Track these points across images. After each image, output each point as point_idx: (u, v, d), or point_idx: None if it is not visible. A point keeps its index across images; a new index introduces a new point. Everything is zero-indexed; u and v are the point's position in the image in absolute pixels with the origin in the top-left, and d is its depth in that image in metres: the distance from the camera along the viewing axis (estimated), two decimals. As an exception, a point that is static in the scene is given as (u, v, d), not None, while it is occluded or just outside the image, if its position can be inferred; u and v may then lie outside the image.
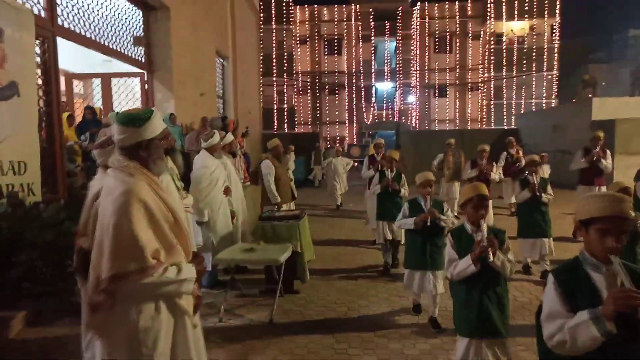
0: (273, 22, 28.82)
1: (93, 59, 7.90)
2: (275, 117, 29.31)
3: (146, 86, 8.47)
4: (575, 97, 20.47)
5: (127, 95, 8.67)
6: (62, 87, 7.79)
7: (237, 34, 13.80)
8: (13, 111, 4.82)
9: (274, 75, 29.06)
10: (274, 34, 28.96)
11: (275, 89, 29.36)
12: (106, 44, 7.14)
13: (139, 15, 8.21)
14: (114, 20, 7.39)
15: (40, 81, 5.51)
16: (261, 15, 21.05)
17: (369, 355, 3.70)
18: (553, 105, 27.70)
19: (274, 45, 28.96)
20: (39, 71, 5.46)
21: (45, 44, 5.59)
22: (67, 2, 6.16)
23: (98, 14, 6.93)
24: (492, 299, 2.75)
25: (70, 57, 7.66)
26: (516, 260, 2.93)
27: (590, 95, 16.06)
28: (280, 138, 21.56)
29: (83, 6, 6.55)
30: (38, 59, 5.45)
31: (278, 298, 4.69)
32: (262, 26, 22.25)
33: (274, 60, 28.98)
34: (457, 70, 29.68)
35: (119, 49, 7.54)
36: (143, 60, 8.34)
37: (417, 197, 4.40)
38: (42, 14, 5.59)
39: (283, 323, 4.36)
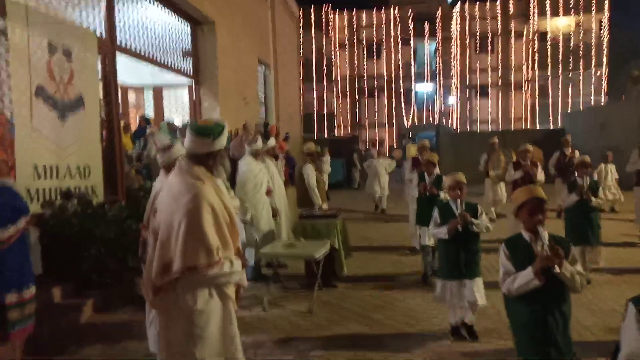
0: (312, 29, 29.39)
1: (142, 71, 8.54)
2: (315, 122, 29.80)
3: (194, 96, 9.06)
4: (623, 94, 19.66)
5: (177, 105, 9.29)
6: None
7: (277, 41, 14.34)
8: (79, 122, 5.42)
9: (314, 80, 29.58)
10: (313, 41, 29.52)
11: (315, 94, 29.88)
12: (158, 58, 7.75)
13: (187, 29, 8.81)
14: (166, 36, 8.00)
15: (101, 94, 6.11)
16: (301, 22, 21.61)
17: (402, 340, 3.95)
18: (602, 103, 26.64)
19: (313, 51, 29.52)
20: (100, 85, 6.07)
21: (106, 61, 6.19)
22: (124, 23, 6.78)
23: (151, 31, 7.54)
24: (557, 318, 2.46)
25: (122, 69, 8.33)
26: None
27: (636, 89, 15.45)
28: (319, 142, 21.88)
29: (138, 25, 7.17)
30: (99, 74, 6.05)
31: (317, 291, 5.01)
32: (301, 33, 22.82)
33: (314, 66, 29.52)
34: (500, 69, 29.13)
35: (169, 63, 8.14)
36: (191, 72, 8.93)
37: (449, 201, 4.11)
38: (104, 35, 6.21)
39: (322, 314, 4.68)
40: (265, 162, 6.07)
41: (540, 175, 6.89)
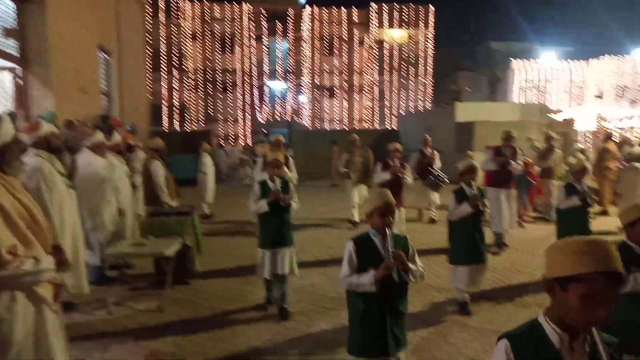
0: (161, 16, 27.88)
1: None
2: (166, 114, 28.39)
3: (20, 82, 8.00)
4: (446, 101, 22.97)
5: (-4, 91, 8.09)
6: None
7: (121, 27, 13.34)
8: None
9: (164, 71, 28.13)
10: (162, 29, 28.03)
11: (165, 85, 28.43)
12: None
13: (10, 4, 7.72)
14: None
15: None
16: (148, 8, 20.35)
17: (254, 330, 4.20)
18: (428, 108, 30.67)
19: (162, 40, 28.03)
20: None
21: None
22: None
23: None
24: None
25: None
26: None
27: (454, 100, 18.24)
28: (170, 135, 20.94)
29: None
30: None
31: (168, 289, 4.97)
32: (149, 20, 21.52)
33: (163, 56, 28.06)
34: (345, 73, 31.42)
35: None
36: (16, 55, 7.87)
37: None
38: None
39: (173, 311, 4.67)
40: (109, 158, 5.73)
41: (409, 178, 6.76)
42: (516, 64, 33.71)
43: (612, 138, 11.39)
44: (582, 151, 16.84)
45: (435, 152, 9.20)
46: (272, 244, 4.43)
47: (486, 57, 38.79)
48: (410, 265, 2.44)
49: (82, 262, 4.47)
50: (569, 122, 18.17)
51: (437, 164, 8.88)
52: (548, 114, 18.78)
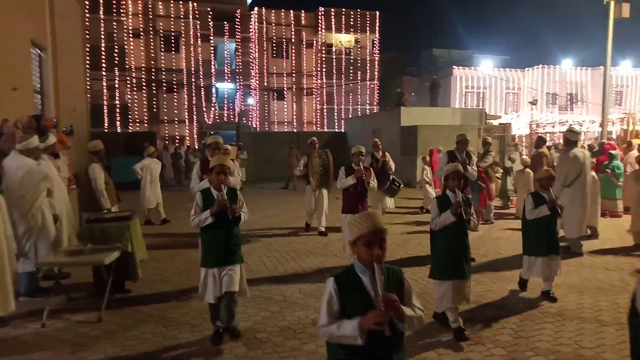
0: (101, 12, 26.69)
1: None
2: (107, 114, 27.17)
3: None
4: (391, 106, 23.56)
5: None
6: None
7: (56, 22, 12.65)
8: None
9: (104, 69, 26.93)
10: (102, 25, 26.84)
11: (105, 84, 27.22)
12: None
13: None
14: None
15: None
16: (87, 3, 19.42)
17: (197, 336, 4.13)
18: (375, 111, 31.35)
19: (102, 37, 26.84)
20: None
21: None
22: None
23: None
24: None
25: None
26: None
27: (398, 104, 18.77)
28: (113, 137, 20.13)
29: None
30: None
31: (108, 298, 4.78)
32: (88, 15, 20.54)
33: (104, 53, 26.87)
34: (294, 75, 31.47)
35: None
36: None
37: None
38: None
39: (113, 321, 4.49)
40: (43, 160, 5.42)
41: (373, 183, 6.18)
42: (457, 70, 35.19)
43: (546, 143, 12.16)
44: (516, 147, 17.85)
45: (387, 154, 8.69)
46: (217, 262, 3.89)
47: (429, 63, 40.23)
48: (406, 310, 1.93)
49: (8, 281, 4.24)
50: (505, 127, 19.19)
51: (392, 165, 8.46)
52: (487, 119, 19.77)
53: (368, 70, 32.77)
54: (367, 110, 32.04)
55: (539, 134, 19.61)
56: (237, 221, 3.93)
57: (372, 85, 33.12)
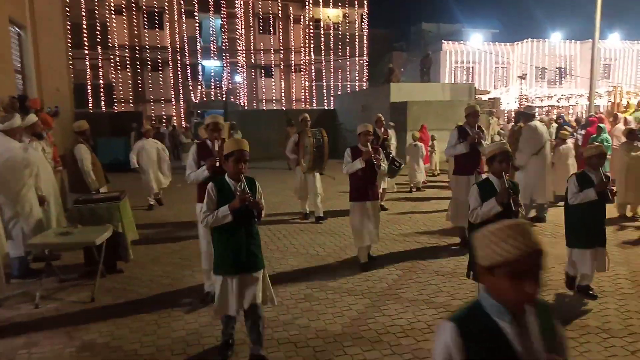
0: (81, -12, 25.93)
1: None
2: (90, 94, 26.67)
3: None
4: (381, 81, 23.40)
5: None
6: None
7: (35, 0, 12.26)
8: None
9: (86, 47, 26.30)
10: (83, 2, 26.08)
11: (88, 63, 26.63)
12: None
13: None
14: None
15: None
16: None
17: (191, 314, 4.16)
18: (364, 87, 31.14)
19: (83, 14, 26.11)
20: None
21: None
22: None
23: None
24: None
25: None
26: None
27: (388, 81, 18.64)
28: (98, 117, 19.82)
29: None
30: None
31: (100, 279, 4.78)
32: (67, -8, 19.94)
33: (85, 31, 26.20)
34: (281, 52, 31.01)
35: None
36: None
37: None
38: None
39: (107, 301, 4.51)
40: (31, 148, 5.33)
41: (384, 165, 5.51)
42: (446, 45, 34.96)
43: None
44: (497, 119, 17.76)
45: (390, 132, 7.77)
46: (236, 268, 3.23)
47: (418, 38, 39.89)
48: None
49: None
50: (495, 102, 19.21)
51: (394, 142, 8.04)
52: (476, 95, 19.76)
53: (357, 46, 32.41)
54: (357, 87, 31.81)
55: (521, 109, 19.67)
56: (259, 218, 3.29)
57: (361, 62, 32.81)
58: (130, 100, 28.17)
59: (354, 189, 5.43)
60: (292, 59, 31.26)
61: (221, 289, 3.25)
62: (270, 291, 3.49)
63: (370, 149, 5.25)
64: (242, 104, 30.51)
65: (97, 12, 26.70)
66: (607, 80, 33.44)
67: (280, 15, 30.83)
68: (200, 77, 30.08)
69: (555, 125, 14.27)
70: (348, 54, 32.15)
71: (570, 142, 9.46)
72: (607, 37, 35.67)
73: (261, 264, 3.35)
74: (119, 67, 27.86)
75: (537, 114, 7.73)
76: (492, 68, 35.81)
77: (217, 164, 4.01)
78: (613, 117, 11.99)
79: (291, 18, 30.94)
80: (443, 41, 35.12)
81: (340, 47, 32.01)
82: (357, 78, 32.56)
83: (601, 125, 10.00)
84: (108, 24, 27.17)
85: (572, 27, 69.55)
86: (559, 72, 35.72)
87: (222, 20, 30.08)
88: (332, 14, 31.95)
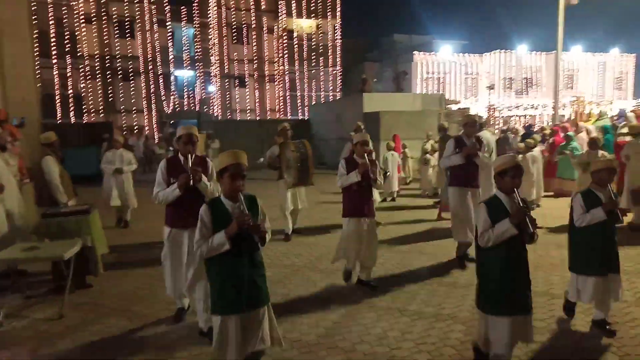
0: (49, -4, 25.40)
1: None
2: (59, 105, 26.03)
3: None
4: (353, 91, 23.70)
5: None
6: None
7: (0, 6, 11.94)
8: None
9: (55, 56, 25.71)
10: (51, 9, 25.53)
11: (57, 73, 26.01)
12: None
13: None
14: None
15: None
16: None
17: (163, 329, 4.10)
18: (338, 97, 31.43)
19: (52, 22, 25.54)
20: None
21: None
22: None
23: None
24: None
25: None
26: None
27: (361, 91, 18.87)
28: (67, 128, 19.33)
29: None
30: None
31: (69, 294, 4.65)
32: None
33: (54, 40, 25.62)
34: (255, 62, 31.03)
35: None
36: None
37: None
38: None
39: (76, 316, 4.38)
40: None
41: (380, 179, 4.99)
42: (418, 56, 35.69)
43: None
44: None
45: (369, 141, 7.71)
46: (239, 306, 2.78)
47: (391, 49, 40.57)
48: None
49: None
50: (464, 112, 19.67)
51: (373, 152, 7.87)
52: (447, 104, 20.19)
53: (330, 56, 32.74)
54: (331, 97, 32.07)
55: (495, 118, 20.21)
56: (262, 243, 2.82)
57: (335, 72, 33.12)
58: (101, 111, 27.62)
59: (348, 204, 4.95)
60: (267, 69, 31.31)
61: (220, 330, 2.78)
62: (276, 331, 3.00)
63: (367, 161, 4.72)
64: (216, 114, 30.31)
65: (66, 20, 26.17)
66: (571, 90, 34.77)
67: (253, 26, 30.90)
68: (172, 87, 29.76)
69: (521, 133, 14.78)
70: (321, 64, 32.43)
71: (538, 150, 9.72)
72: (569, 49, 37.14)
73: (266, 298, 2.91)
74: (88, 77, 27.32)
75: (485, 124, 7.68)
76: (462, 78, 36.72)
77: (191, 182, 3.75)
78: (575, 127, 12.45)
79: (265, 28, 31.05)
80: (414, 52, 35.83)
81: (314, 57, 32.27)
82: (331, 88, 32.86)
83: (570, 133, 10.35)
84: (77, 32, 26.66)
85: (538, 39, 72.20)
86: (526, 82, 36.92)
87: (195, 30, 29.93)
88: (305, 25, 32.24)
